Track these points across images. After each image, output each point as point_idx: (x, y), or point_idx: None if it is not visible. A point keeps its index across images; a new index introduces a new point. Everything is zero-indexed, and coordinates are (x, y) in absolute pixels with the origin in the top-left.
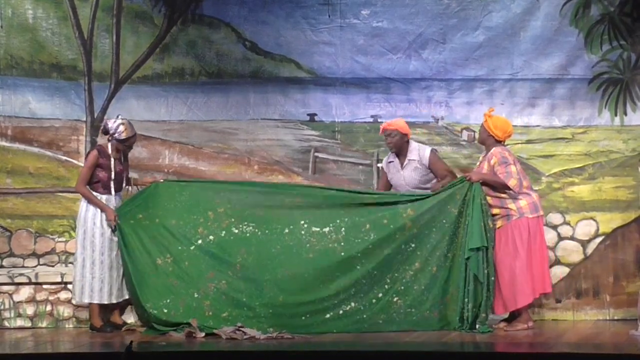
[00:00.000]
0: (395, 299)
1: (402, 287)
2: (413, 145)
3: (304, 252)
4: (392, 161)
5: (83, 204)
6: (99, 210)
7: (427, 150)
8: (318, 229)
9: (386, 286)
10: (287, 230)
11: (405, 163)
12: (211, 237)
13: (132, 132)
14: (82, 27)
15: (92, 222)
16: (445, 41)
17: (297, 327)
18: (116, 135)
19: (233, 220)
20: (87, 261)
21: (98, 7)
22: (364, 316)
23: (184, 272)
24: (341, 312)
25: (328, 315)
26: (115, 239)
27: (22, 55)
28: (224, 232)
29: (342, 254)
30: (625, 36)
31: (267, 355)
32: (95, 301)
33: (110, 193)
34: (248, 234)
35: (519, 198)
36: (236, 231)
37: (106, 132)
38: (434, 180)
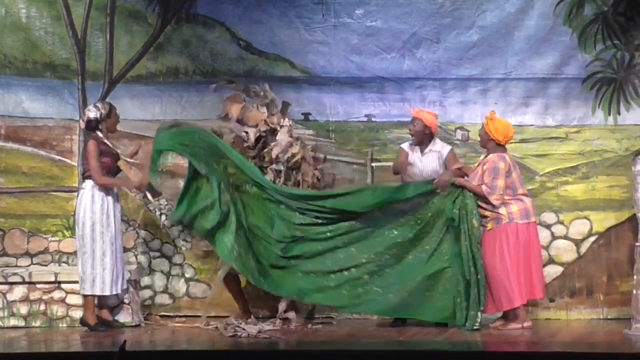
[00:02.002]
0: (366, 278)
1: (376, 269)
2: (437, 141)
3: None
4: (416, 146)
5: (86, 196)
6: (104, 200)
7: (447, 147)
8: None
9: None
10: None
11: (425, 151)
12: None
13: (108, 103)
14: (76, 26)
15: (100, 213)
16: (439, 40)
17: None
18: (103, 112)
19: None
20: (98, 253)
21: (92, 6)
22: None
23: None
24: (333, 284)
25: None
26: (119, 227)
27: (16, 54)
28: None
29: (328, 234)
30: (619, 35)
31: (265, 356)
32: (107, 293)
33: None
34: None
35: (511, 203)
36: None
37: (96, 122)
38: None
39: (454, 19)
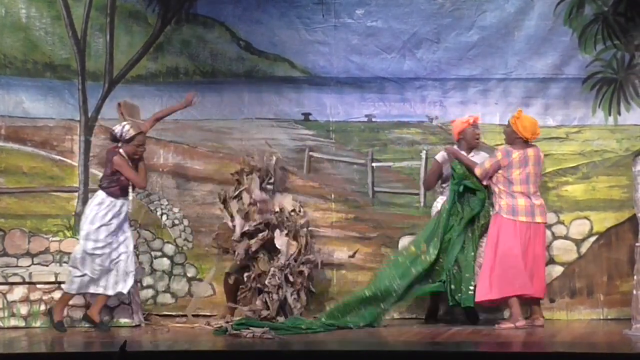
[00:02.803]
0: None
1: None
2: (480, 153)
3: None
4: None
5: (95, 204)
6: (110, 207)
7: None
8: None
9: None
10: None
11: (470, 155)
12: None
13: (138, 129)
14: (76, 27)
15: (110, 218)
16: (439, 41)
17: None
18: (124, 135)
19: None
20: (114, 254)
21: (91, 7)
22: None
23: None
24: None
25: None
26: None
27: (16, 54)
28: None
29: None
30: (619, 36)
31: (267, 356)
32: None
33: (126, 197)
34: None
35: (502, 197)
36: None
37: (115, 138)
38: None
39: (454, 19)
